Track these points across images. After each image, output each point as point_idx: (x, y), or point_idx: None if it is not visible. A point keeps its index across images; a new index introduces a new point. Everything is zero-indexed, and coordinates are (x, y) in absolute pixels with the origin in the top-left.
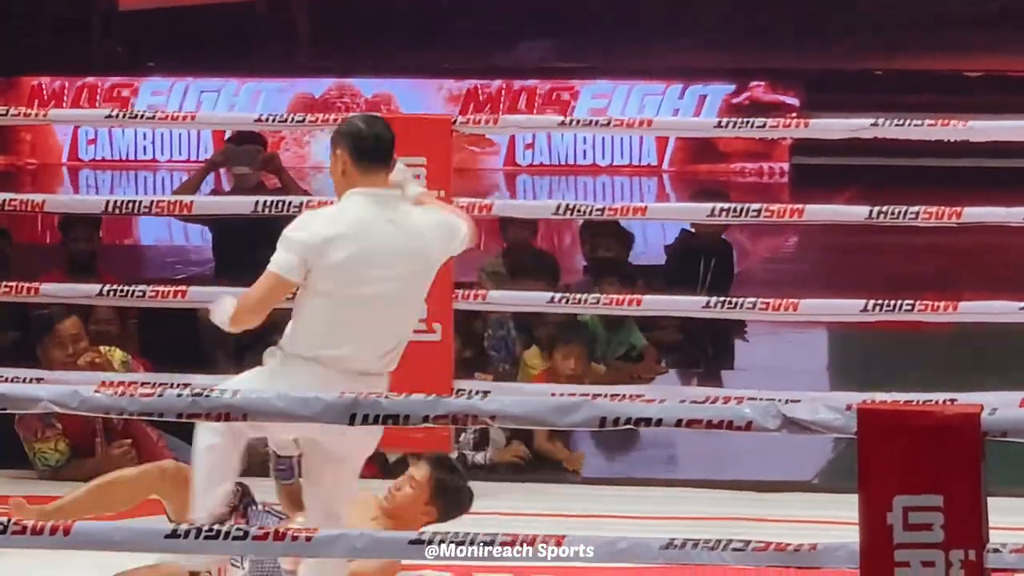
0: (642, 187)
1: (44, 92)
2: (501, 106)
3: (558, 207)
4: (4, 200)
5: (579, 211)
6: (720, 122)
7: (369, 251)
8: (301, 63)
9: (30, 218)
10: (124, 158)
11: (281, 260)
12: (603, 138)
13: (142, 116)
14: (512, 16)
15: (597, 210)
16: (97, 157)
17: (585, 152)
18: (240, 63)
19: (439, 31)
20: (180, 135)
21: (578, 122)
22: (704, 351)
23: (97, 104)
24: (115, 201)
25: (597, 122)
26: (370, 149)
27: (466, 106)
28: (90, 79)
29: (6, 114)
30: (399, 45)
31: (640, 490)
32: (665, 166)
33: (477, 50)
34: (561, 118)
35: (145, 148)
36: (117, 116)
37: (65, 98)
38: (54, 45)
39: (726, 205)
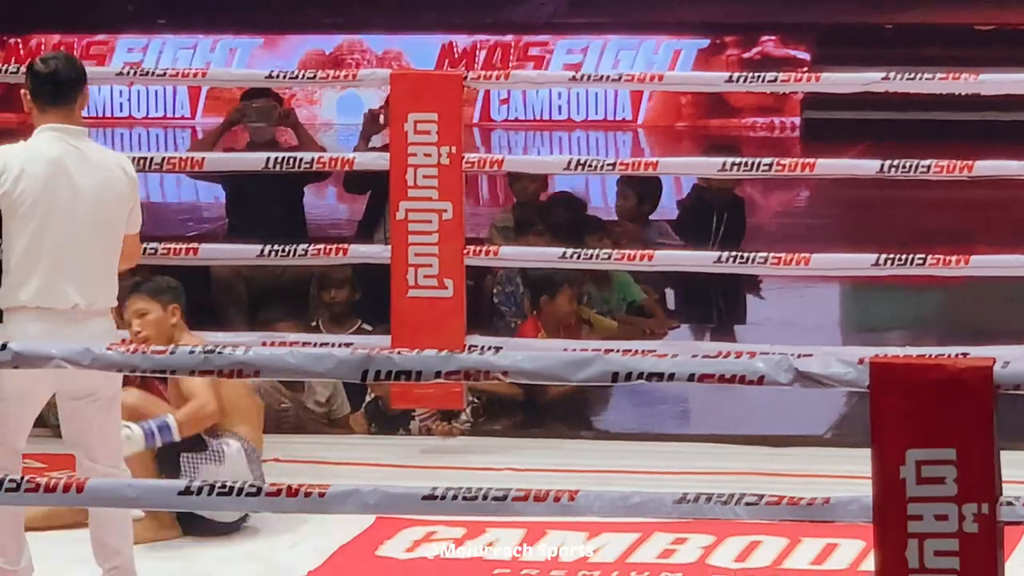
0: (616, 141)
1: (21, 50)
2: (476, 63)
3: (569, 162)
4: None
5: (590, 166)
6: (731, 76)
7: (58, 184)
8: (312, 19)
9: None
10: (100, 115)
11: None
12: (578, 93)
13: (152, 73)
14: None
15: (608, 165)
16: None
17: (560, 107)
18: (248, 19)
19: None
20: (156, 92)
21: (589, 77)
22: (716, 306)
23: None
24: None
25: (608, 77)
26: (47, 90)
27: (440, 63)
28: (62, 36)
29: (18, 72)
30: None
31: (653, 445)
32: (640, 121)
33: (484, 6)
34: (572, 73)
35: (121, 105)
36: (129, 74)
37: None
38: (61, 2)
39: (737, 160)
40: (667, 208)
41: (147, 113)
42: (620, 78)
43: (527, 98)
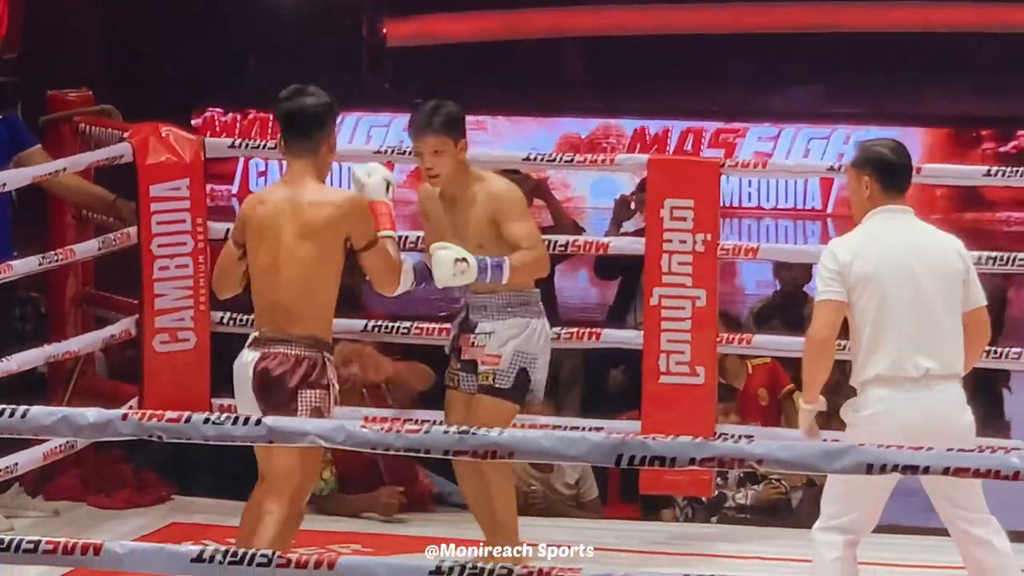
0: (806, 231)
1: (216, 124)
2: (667, 147)
3: None
4: None
5: None
6: (989, 170)
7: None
8: (568, 103)
9: None
10: None
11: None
12: (767, 181)
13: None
14: (785, 59)
15: None
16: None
17: (750, 195)
18: (506, 101)
19: (709, 72)
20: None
21: (843, 168)
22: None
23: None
24: None
25: None
26: (896, 175)
27: (632, 147)
28: (252, 113)
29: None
30: (664, 85)
31: (900, 538)
32: (829, 210)
33: (747, 93)
34: (830, 164)
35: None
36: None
37: (237, 129)
38: (321, 80)
39: (993, 254)
40: None
41: None
42: None
43: None
